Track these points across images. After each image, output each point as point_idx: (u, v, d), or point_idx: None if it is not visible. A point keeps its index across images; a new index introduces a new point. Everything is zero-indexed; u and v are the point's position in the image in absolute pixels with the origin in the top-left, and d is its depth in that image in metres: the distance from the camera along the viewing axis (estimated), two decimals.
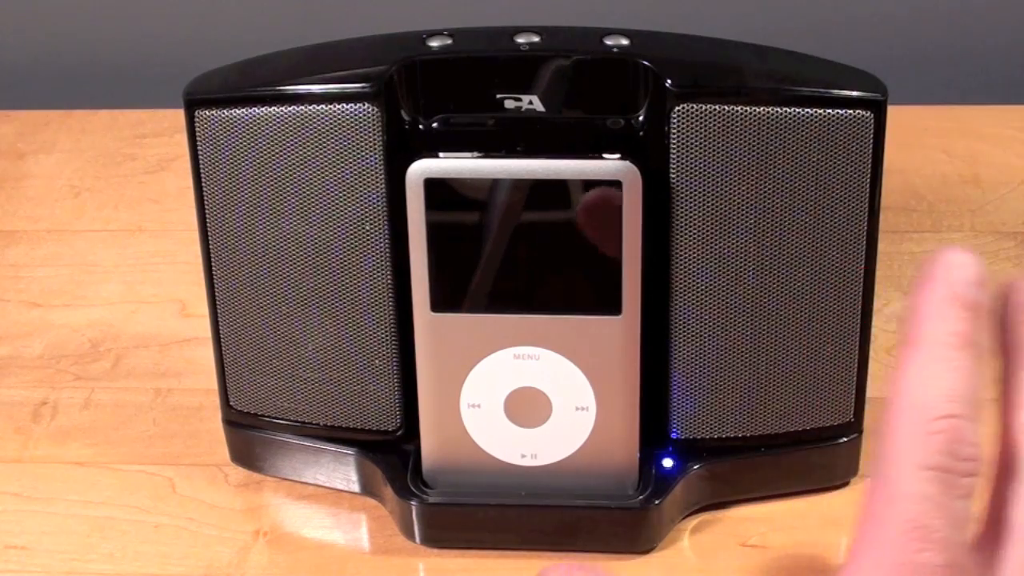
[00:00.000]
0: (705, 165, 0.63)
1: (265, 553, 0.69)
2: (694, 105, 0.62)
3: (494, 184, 0.62)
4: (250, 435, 0.72)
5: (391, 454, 0.69)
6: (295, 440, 0.71)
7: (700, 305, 0.65)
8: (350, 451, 0.70)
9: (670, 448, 0.68)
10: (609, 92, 0.64)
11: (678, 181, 0.63)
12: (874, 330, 0.69)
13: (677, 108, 0.62)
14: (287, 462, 0.72)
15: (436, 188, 0.62)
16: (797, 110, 0.62)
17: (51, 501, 0.72)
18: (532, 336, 0.64)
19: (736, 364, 0.67)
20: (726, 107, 0.62)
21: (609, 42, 0.64)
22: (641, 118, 0.63)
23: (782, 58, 0.66)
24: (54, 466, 0.75)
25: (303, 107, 0.63)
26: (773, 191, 0.63)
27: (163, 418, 0.77)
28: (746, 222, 0.64)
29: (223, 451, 0.73)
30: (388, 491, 0.69)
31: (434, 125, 0.64)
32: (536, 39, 0.64)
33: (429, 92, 0.64)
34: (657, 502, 0.67)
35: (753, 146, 0.63)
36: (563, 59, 0.64)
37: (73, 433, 0.77)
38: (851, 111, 0.62)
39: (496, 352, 0.65)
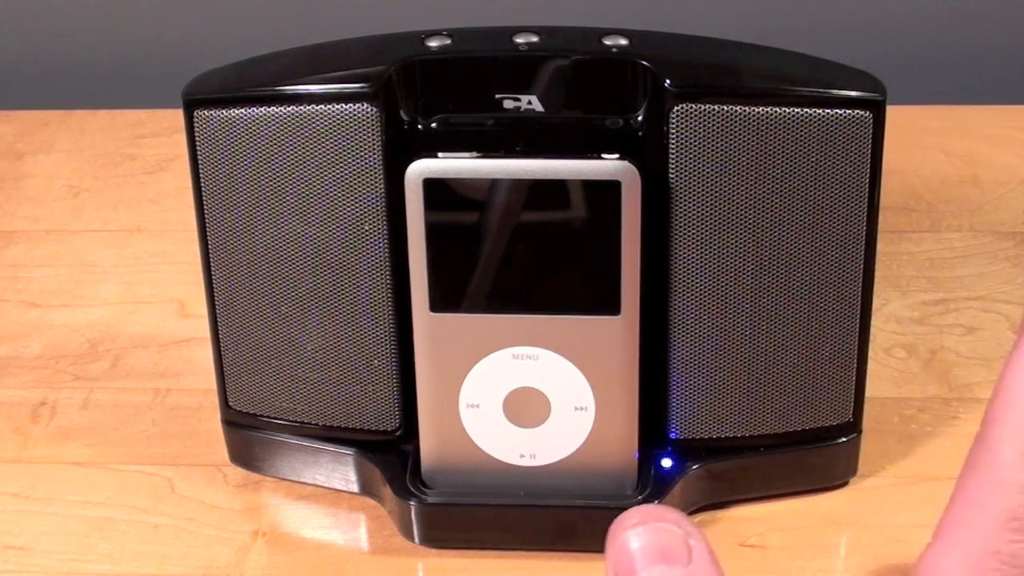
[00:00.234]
0: (704, 165, 0.63)
1: (264, 553, 0.69)
2: (693, 105, 0.62)
3: (493, 184, 0.62)
4: (249, 435, 0.72)
5: (390, 454, 0.69)
6: (294, 440, 0.71)
7: (699, 305, 0.65)
8: (349, 451, 0.70)
9: (669, 448, 0.68)
10: (608, 92, 0.64)
11: (677, 181, 0.63)
12: (873, 330, 0.69)
13: (676, 108, 0.62)
14: (286, 462, 0.72)
15: (435, 188, 0.62)
16: (796, 110, 0.62)
17: (50, 501, 0.72)
18: (531, 336, 0.65)
19: (735, 364, 0.67)
20: (725, 107, 0.62)
21: (608, 42, 0.64)
22: (640, 118, 0.63)
23: (781, 58, 0.66)
24: (53, 466, 0.75)
25: (302, 107, 0.63)
26: (772, 191, 0.63)
27: (162, 418, 0.77)
28: (745, 222, 0.64)
29: (222, 451, 0.73)
30: (387, 491, 0.69)
31: (433, 125, 0.64)
32: (535, 39, 0.64)
33: (428, 92, 0.64)
34: (656, 502, 0.67)
35: (752, 146, 0.63)
36: (562, 59, 0.64)
37: (72, 433, 0.77)
38: (850, 111, 0.62)
39: (495, 352, 0.65)
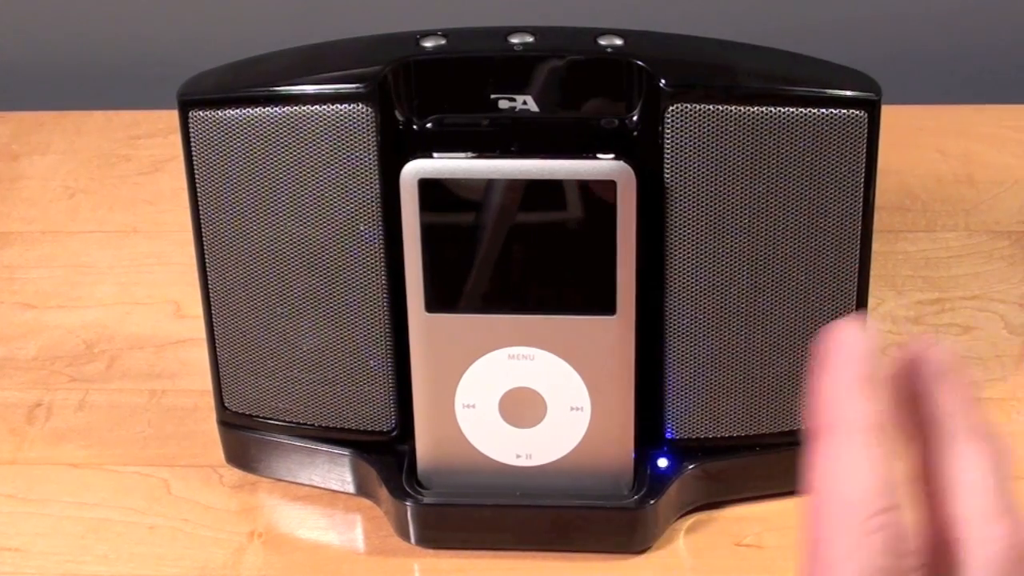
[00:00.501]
0: (699, 165, 0.63)
1: (260, 554, 0.69)
2: (688, 105, 0.62)
3: (488, 184, 0.62)
4: (245, 436, 0.72)
5: (386, 455, 0.69)
6: (290, 441, 0.71)
7: (695, 305, 0.65)
8: (345, 452, 0.70)
9: (665, 448, 0.68)
10: (603, 92, 0.64)
11: (672, 181, 0.63)
12: None
13: (671, 108, 0.62)
14: (282, 463, 0.72)
15: (430, 188, 0.62)
16: (791, 110, 0.62)
17: (46, 503, 0.72)
18: (527, 336, 0.64)
19: (731, 364, 0.67)
20: (720, 107, 0.62)
21: (603, 42, 0.64)
22: (635, 118, 0.63)
23: (776, 58, 0.66)
24: (49, 467, 0.74)
25: (297, 108, 0.63)
26: (767, 190, 0.63)
27: (158, 419, 0.77)
28: (740, 222, 0.64)
29: (218, 452, 0.73)
30: (383, 492, 0.69)
31: (428, 125, 0.64)
32: (530, 39, 0.64)
33: (423, 92, 0.64)
34: (652, 502, 0.67)
35: (747, 146, 0.63)
36: (557, 59, 0.64)
37: (68, 435, 0.77)
38: (845, 111, 0.62)
39: (491, 352, 0.65)
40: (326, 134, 0.63)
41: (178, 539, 0.70)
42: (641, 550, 0.68)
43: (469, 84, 0.64)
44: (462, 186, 0.62)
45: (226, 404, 0.71)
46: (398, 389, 0.68)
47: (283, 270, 0.66)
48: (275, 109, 0.63)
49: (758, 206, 0.64)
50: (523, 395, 0.66)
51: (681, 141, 0.63)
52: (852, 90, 0.63)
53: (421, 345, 0.65)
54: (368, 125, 0.63)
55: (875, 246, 0.66)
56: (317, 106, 0.63)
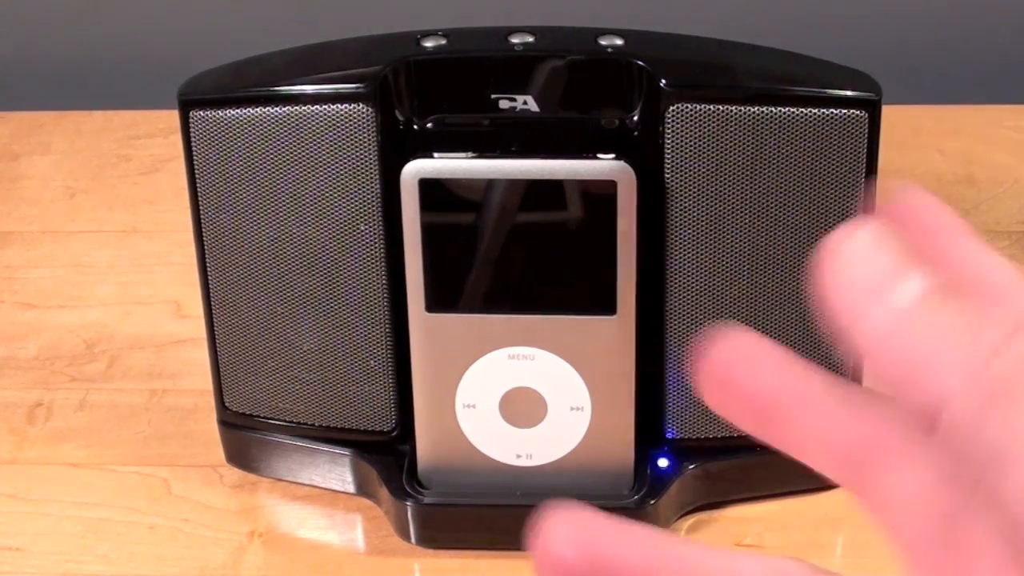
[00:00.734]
0: (700, 165, 0.63)
1: (260, 554, 0.69)
2: (688, 105, 0.62)
3: (489, 184, 0.62)
4: (245, 436, 0.72)
5: (386, 455, 0.69)
6: (290, 441, 0.71)
7: (695, 304, 0.65)
8: (345, 452, 0.70)
9: (665, 448, 0.68)
10: (604, 92, 0.64)
11: (673, 181, 0.63)
12: None
13: (671, 108, 0.62)
14: (282, 463, 0.72)
15: (431, 188, 0.62)
16: (791, 110, 0.62)
17: (46, 502, 0.72)
18: (527, 336, 0.64)
19: None
20: (720, 107, 0.62)
21: (603, 42, 0.64)
22: (636, 118, 0.63)
23: (776, 58, 0.66)
24: (49, 467, 0.74)
25: (297, 107, 0.63)
26: (767, 191, 0.63)
27: (158, 419, 0.77)
28: (740, 221, 0.64)
29: (218, 452, 0.73)
30: (383, 492, 0.69)
31: (428, 125, 0.64)
32: (530, 39, 0.64)
33: (423, 92, 0.64)
34: (653, 502, 0.67)
35: (747, 146, 0.63)
36: (557, 59, 0.64)
37: (68, 434, 0.77)
38: (845, 111, 0.62)
39: (491, 352, 0.65)
40: (326, 134, 0.63)
41: (178, 539, 0.70)
42: None
43: (469, 84, 0.64)
44: (462, 186, 0.62)
45: (226, 404, 0.71)
46: (398, 389, 0.68)
47: (283, 270, 0.66)
48: (275, 109, 0.63)
49: (758, 206, 0.64)
50: (523, 395, 0.66)
51: (681, 141, 0.63)
52: (852, 90, 0.63)
53: (421, 345, 0.65)
54: (368, 125, 0.63)
55: None
56: (317, 106, 0.63)
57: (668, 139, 0.63)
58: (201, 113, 0.64)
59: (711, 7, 1.06)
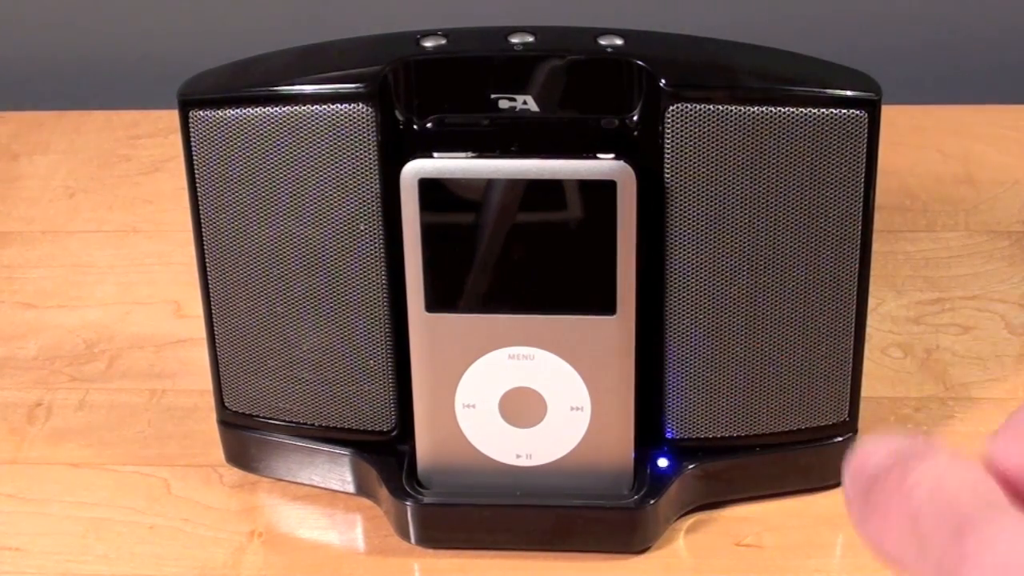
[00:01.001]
0: (699, 165, 0.63)
1: (260, 554, 0.69)
2: (688, 105, 0.62)
3: (488, 184, 0.62)
4: (245, 436, 0.72)
5: (386, 454, 0.69)
6: (290, 441, 0.71)
7: (695, 304, 0.65)
8: (345, 452, 0.70)
9: (665, 448, 0.68)
10: (603, 92, 0.64)
11: (672, 181, 0.63)
12: (869, 329, 0.69)
13: (671, 108, 0.62)
14: (282, 463, 0.72)
15: (430, 188, 0.62)
16: (791, 110, 0.62)
17: (46, 502, 0.72)
18: (527, 336, 0.64)
19: (731, 364, 0.67)
20: (720, 107, 0.62)
21: (603, 42, 0.64)
22: (635, 118, 0.63)
23: (776, 57, 0.66)
24: (49, 467, 0.74)
25: (297, 107, 0.63)
26: (767, 191, 0.63)
27: (158, 419, 0.77)
28: (740, 222, 0.64)
29: (218, 452, 0.73)
30: (383, 492, 0.69)
31: (428, 125, 0.64)
32: (530, 39, 0.64)
33: (423, 92, 0.64)
34: (652, 502, 0.67)
35: (747, 146, 0.63)
36: (557, 59, 0.64)
37: (68, 434, 0.77)
38: (845, 111, 0.62)
39: (491, 352, 0.65)
40: (326, 134, 0.63)
41: (178, 539, 0.70)
42: (641, 550, 0.68)
43: (469, 84, 0.64)
44: (462, 186, 0.62)
45: (226, 404, 0.71)
46: (398, 389, 0.68)
47: (283, 270, 0.66)
48: (275, 109, 0.63)
49: (758, 206, 0.64)
50: (523, 395, 0.66)
51: (681, 141, 0.63)
52: (852, 90, 0.63)
53: (421, 345, 0.65)
54: (368, 125, 0.63)
55: (875, 246, 0.66)
56: (317, 106, 0.63)
57: (668, 139, 0.63)
58: (201, 113, 0.64)
59: (711, 7, 1.06)
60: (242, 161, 0.64)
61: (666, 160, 0.63)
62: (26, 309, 0.86)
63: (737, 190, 0.63)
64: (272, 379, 0.69)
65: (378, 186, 0.64)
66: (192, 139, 0.65)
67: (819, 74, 0.64)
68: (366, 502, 0.71)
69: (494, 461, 0.67)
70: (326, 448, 0.70)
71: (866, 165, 0.63)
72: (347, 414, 0.69)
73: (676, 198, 0.64)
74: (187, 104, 0.64)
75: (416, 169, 0.62)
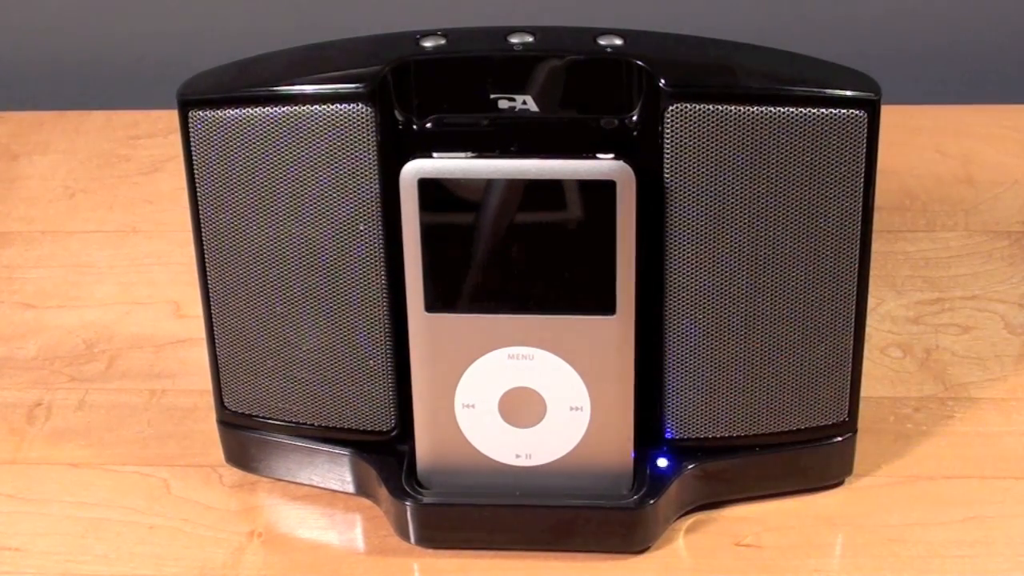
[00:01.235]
0: (699, 165, 0.63)
1: (260, 554, 0.69)
2: (688, 105, 0.62)
3: (488, 184, 0.62)
4: (244, 436, 0.72)
5: (386, 454, 0.69)
6: (289, 441, 0.71)
7: (694, 305, 0.65)
8: (345, 452, 0.70)
9: (664, 448, 0.68)
10: (603, 92, 0.64)
11: (672, 181, 0.63)
12: (868, 329, 0.69)
13: (671, 108, 0.62)
14: (282, 463, 0.72)
15: (430, 188, 0.62)
16: (791, 110, 0.62)
17: (45, 502, 0.72)
18: (526, 336, 0.64)
19: (730, 364, 0.67)
20: (720, 107, 0.62)
21: (603, 42, 0.64)
22: (635, 118, 0.63)
23: (776, 58, 0.66)
24: (48, 467, 0.74)
25: (297, 107, 0.63)
26: (767, 191, 0.63)
27: (157, 419, 0.77)
28: (740, 221, 0.64)
29: (217, 452, 0.73)
30: (383, 491, 0.69)
31: (428, 125, 0.64)
32: (530, 39, 0.64)
33: (423, 92, 0.64)
34: (652, 502, 0.67)
35: (747, 146, 0.63)
36: (557, 59, 0.64)
37: (67, 434, 0.77)
38: (845, 111, 0.62)
39: (490, 352, 0.65)
40: (326, 134, 0.63)
41: (178, 539, 0.70)
42: (641, 550, 0.68)
43: (469, 84, 0.64)
44: (462, 186, 0.62)
45: (226, 404, 0.71)
46: (398, 389, 0.68)
47: (283, 270, 0.66)
48: (275, 109, 0.63)
49: (758, 206, 0.64)
50: (523, 395, 0.66)
51: (681, 141, 0.63)
52: (852, 90, 0.63)
53: (421, 345, 0.65)
54: (368, 125, 0.63)
55: (875, 246, 0.66)
56: (317, 106, 0.63)
57: (667, 139, 0.63)
58: (200, 113, 0.64)
59: (711, 7, 1.06)
60: (242, 161, 0.64)
61: (666, 160, 0.63)
62: (26, 309, 0.86)
63: (737, 190, 0.63)
64: (272, 379, 0.69)
65: (378, 186, 0.64)
66: (192, 139, 0.65)
67: (819, 74, 0.64)
68: (366, 502, 0.71)
69: (494, 461, 0.67)
70: (326, 448, 0.70)
71: (866, 165, 0.63)
72: (347, 414, 0.69)
73: (676, 198, 0.64)
74: (187, 104, 0.64)
75: (416, 169, 0.62)
